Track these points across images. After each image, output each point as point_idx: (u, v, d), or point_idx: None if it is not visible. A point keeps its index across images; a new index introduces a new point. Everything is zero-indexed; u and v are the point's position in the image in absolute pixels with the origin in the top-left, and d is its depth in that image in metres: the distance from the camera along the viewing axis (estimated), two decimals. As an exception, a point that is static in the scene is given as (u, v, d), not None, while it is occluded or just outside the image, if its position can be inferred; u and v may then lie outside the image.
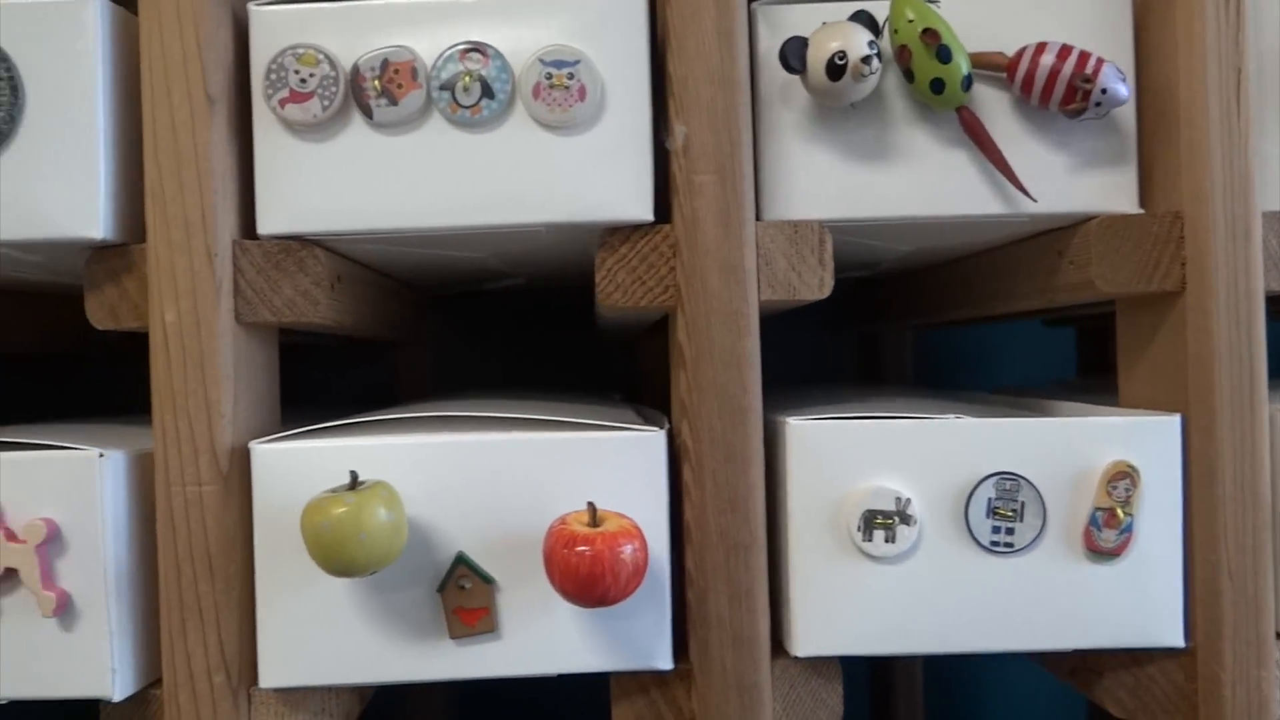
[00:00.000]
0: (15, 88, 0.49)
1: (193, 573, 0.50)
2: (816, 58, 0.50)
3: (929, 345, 1.07)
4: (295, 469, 0.50)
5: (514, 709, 1.03)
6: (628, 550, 0.46)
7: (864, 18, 0.52)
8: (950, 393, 0.77)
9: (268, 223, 0.51)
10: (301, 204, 0.51)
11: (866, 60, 0.50)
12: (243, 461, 0.51)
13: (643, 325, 0.76)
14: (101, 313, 0.52)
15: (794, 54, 0.51)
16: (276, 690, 0.50)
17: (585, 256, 0.62)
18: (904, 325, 0.95)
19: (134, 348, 0.55)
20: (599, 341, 1.01)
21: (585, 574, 0.45)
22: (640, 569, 0.47)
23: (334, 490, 0.46)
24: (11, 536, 0.48)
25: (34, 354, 0.90)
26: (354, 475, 0.47)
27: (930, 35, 0.51)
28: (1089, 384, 0.84)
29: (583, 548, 0.45)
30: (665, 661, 0.51)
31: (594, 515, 0.47)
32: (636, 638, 0.51)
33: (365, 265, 0.63)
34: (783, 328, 0.51)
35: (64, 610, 0.49)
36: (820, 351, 1.06)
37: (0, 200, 0.49)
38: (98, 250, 0.51)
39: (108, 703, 0.51)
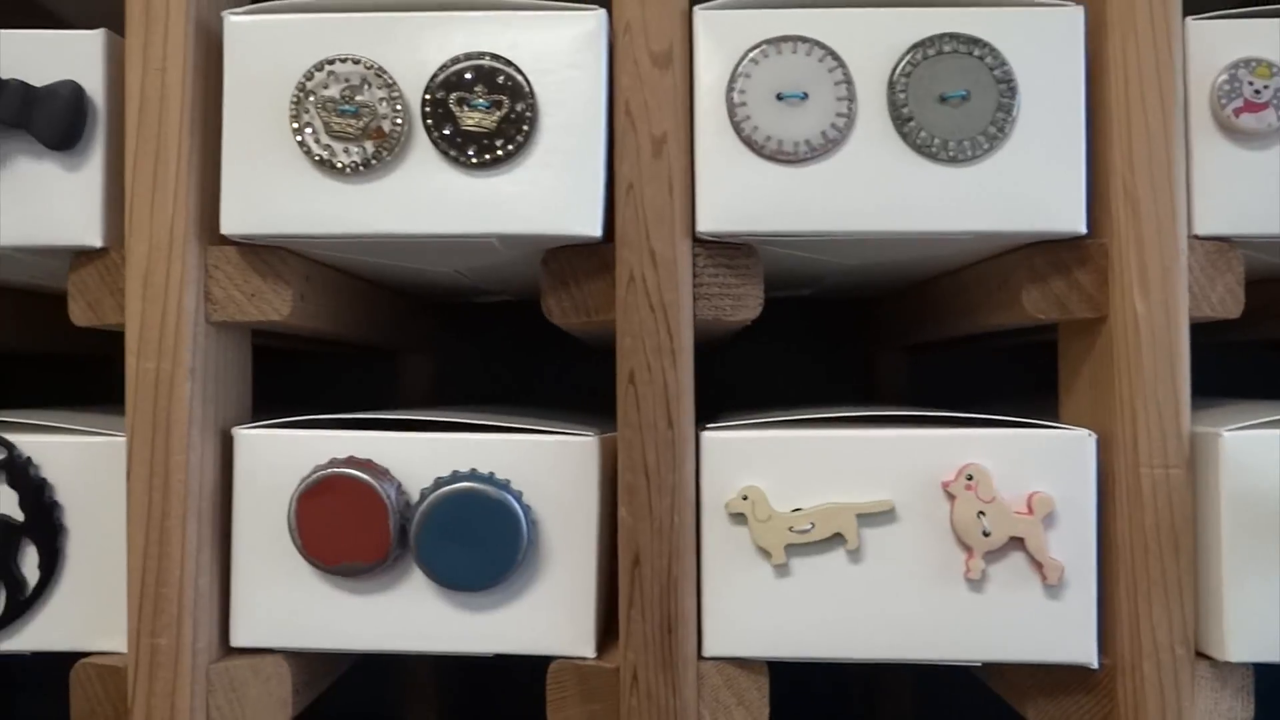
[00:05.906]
0: (1013, 90, 0.52)
1: (1159, 550, 0.53)
2: None
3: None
4: (1266, 457, 0.53)
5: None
6: None
7: None
8: None
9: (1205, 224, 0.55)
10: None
11: None
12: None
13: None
14: (1055, 301, 0.55)
15: None
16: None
17: None
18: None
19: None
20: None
21: None
22: None
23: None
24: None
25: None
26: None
27: None
28: None
29: None
30: None
31: None
32: None
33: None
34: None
35: (1061, 579, 0.52)
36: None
37: (999, 194, 0.53)
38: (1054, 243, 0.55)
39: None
